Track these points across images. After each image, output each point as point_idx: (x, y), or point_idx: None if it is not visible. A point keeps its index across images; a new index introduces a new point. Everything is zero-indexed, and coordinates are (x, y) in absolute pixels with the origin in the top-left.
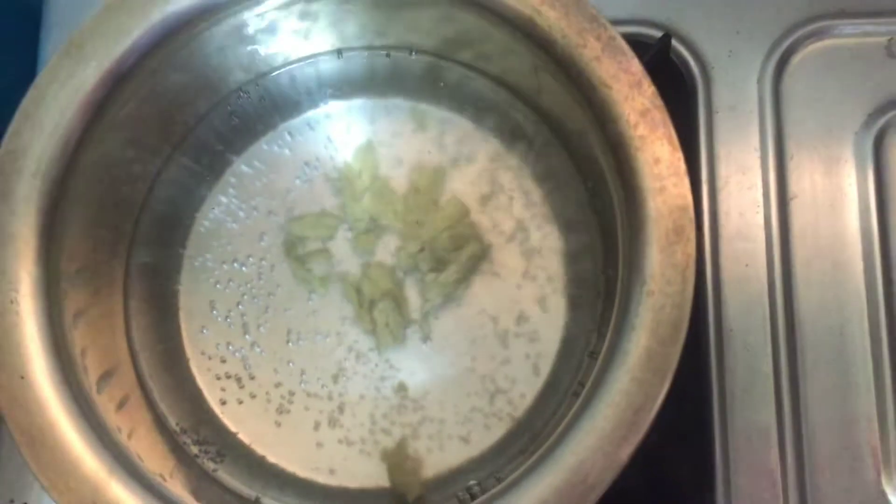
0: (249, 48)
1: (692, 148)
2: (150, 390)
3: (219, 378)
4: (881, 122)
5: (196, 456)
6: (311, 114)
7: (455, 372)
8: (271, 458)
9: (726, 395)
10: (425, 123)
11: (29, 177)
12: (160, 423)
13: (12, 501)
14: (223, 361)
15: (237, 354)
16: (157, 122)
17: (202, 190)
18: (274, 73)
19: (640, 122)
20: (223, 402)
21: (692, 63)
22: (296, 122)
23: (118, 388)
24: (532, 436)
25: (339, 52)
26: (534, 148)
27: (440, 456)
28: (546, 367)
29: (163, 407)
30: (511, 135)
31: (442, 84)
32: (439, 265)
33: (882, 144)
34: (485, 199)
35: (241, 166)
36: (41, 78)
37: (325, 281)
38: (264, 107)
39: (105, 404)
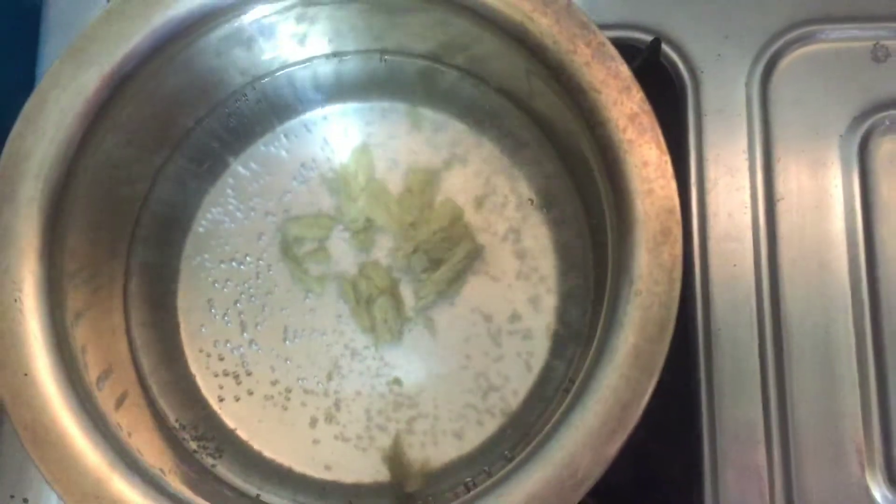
0: (247, 52)
1: (681, 150)
2: (150, 387)
3: (217, 375)
4: (866, 125)
5: (195, 452)
6: (307, 116)
7: (449, 369)
8: (269, 454)
9: (714, 392)
10: (420, 126)
11: (32, 179)
12: (159, 420)
13: (13, 497)
14: (221, 359)
15: (235, 352)
16: (157, 124)
17: (200, 191)
18: (271, 77)
19: (629, 126)
20: (221, 399)
21: (681, 66)
22: (293, 124)
23: (118, 385)
24: (524, 431)
25: (335, 55)
26: (526, 150)
27: (434, 451)
28: (538, 365)
29: (162, 403)
30: (504, 137)
31: (436, 87)
32: (433, 265)
33: (867, 147)
34: (478, 201)
35: (238, 168)
36: (44, 82)
37: (321, 280)
38: (262, 109)
39: (105, 401)
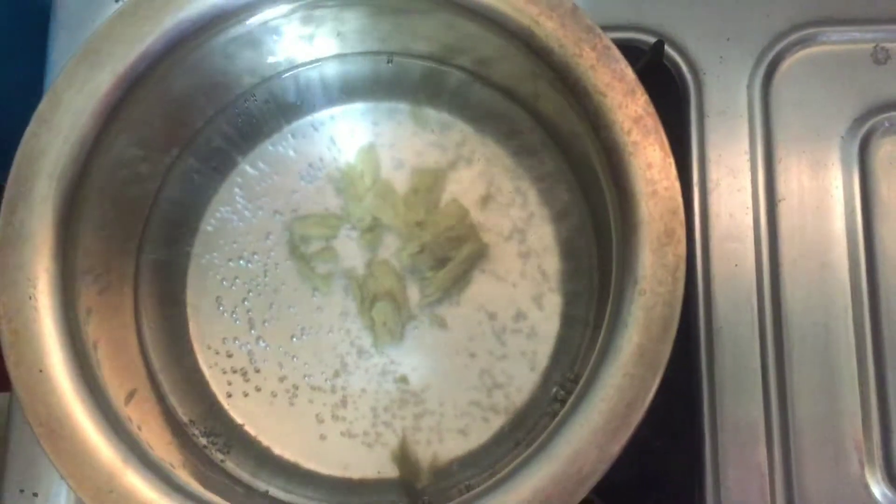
0: (256, 53)
1: (684, 151)
2: (160, 383)
3: (225, 372)
4: (867, 126)
5: (204, 447)
6: (315, 116)
7: (454, 367)
8: (276, 450)
9: (715, 390)
10: (426, 126)
11: (46, 178)
12: (169, 416)
13: (23, 492)
14: (229, 356)
15: (243, 349)
16: (167, 124)
17: (209, 190)
18: (279, 77)
19: (634, 129)
20: (229, 395)
21: (684, 68)
22: (300, 124)
23: (129, 382)
24: (528, 429)
25: (342, 56)
26: (531, 151)
27: (440, 448)
28: (542, 363)
29: (172, 399)
30: (509, 138)
31: (442, 88)
32: (439, 264)
33: (867, 148)
34: (483, 201)
35: (246, 167)
36: (58, 82)
37: (328, 279)
38: (270, 109)
39: (117, 397)
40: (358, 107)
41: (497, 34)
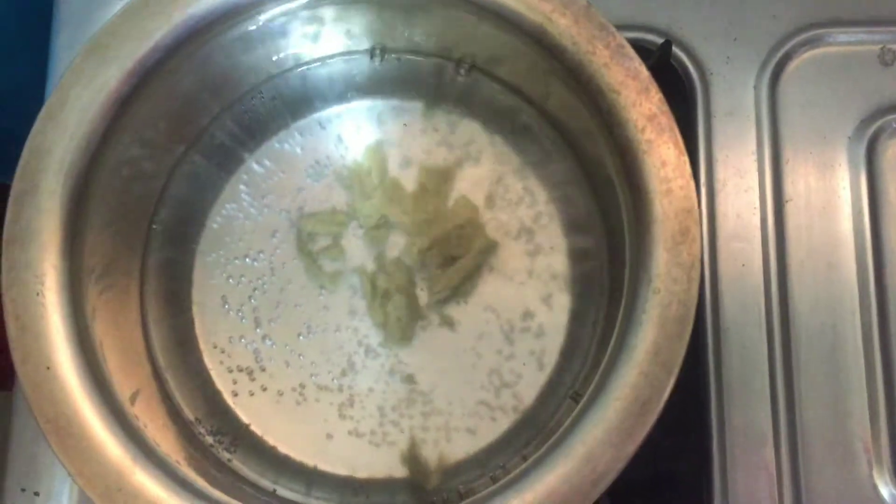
0: (263, 50)
1: (691, 151)
2: (166, 382)
3: (231, 371)
4: (874, 127)
5: (211, 446)
6: (322, 114)
7: (462, 366)
8: (282, 449)
9: (723, 390)
10: (434, 124)
11: (53, 174)
12: (175, 414)
13: (24, 491)
14: (235, 354)
15: (249, 348)
16: (173, 121)
17: (215, 187)
18: (286, 74)
19: (648, 127)
20: (235, 395)
21: (691, 69)
22: (307, 121)
23: (134, 380)
24: (537, 429)
25: (349, 54)
26: (541, 150)
27: (448, 447)
28: (550, 363)
29: (178, 398)
30: (519, 136)
31: (450, 86)
32: (448, 262)
33: (874, 150)
34: (492, 199)
35: (253, 164)
36: (65, 78)
37: (335, 277)
38: (276, 107)
39: (122, 395)
40: (365, 104)
41: (508, 32)
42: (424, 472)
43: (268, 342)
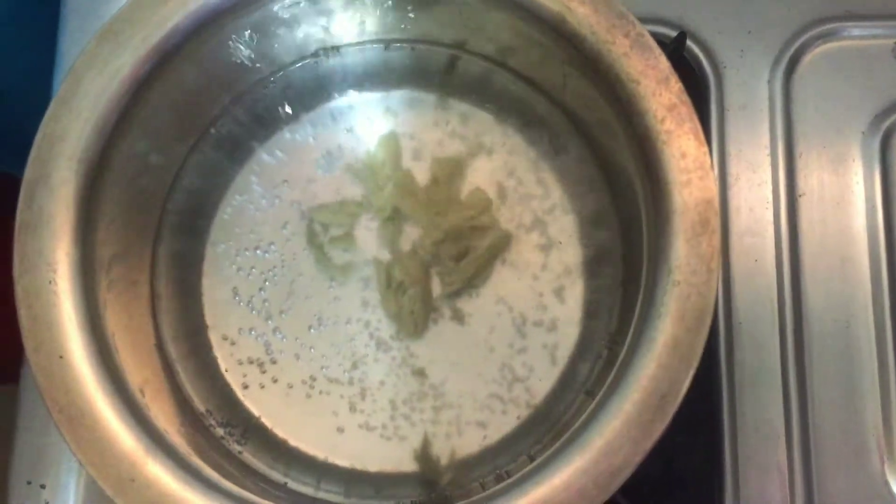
0: (276, 39)
1: None
2: (176, 373)
3: (241, 363)
4: (888, 122)
5: (221, 438)
6: (333, 104)
7: (474, 360)
8: (293, 442)
9: (735, 386)
10: (447, 115)
11: (66, 160)
12: (186, 406)
13: (30, 483)
14: (246, 346)
15: (259, 340)
16: (184, 110)
17: (226, 178)
18: (298, 65)
19: (668, 117)
20: (245, 387)
21: (705, 62)
22: (318, 112)
23: (145, 371)
24: (550, 424)
25: (362, 44)
26: (555, 141)
27: (459, 441)
28: (563, 357)
29: (188, 389)
30: (532, 128)
31: (464, 77)
32: (461, 254)
33: (889, 144)
34: (505, 192)
35: (264, 155)
36: (78, 64)
37: (346, 269)
38: (287, 97)
39: (134, 385)
40: (377, 95)
41: (526, 20)
42: (436, 468)
43: (278, 334)
